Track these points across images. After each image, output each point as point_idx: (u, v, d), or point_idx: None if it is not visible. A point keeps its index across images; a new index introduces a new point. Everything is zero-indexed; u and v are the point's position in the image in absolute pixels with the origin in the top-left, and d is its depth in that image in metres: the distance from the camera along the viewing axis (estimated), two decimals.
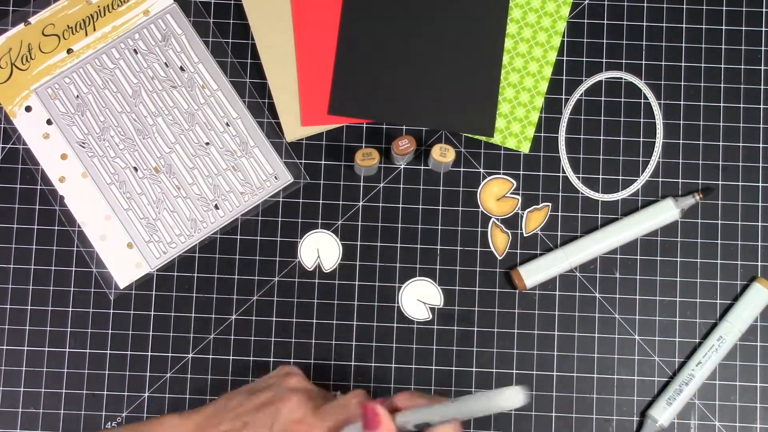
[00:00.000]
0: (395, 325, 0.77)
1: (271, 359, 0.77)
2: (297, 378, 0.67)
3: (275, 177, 0.78)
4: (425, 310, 0.77)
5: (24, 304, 0.76)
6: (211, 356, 0.76)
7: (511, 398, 0.51)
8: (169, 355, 0.76)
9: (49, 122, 0.78)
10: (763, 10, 0.80)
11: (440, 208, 0.78)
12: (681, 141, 0.79)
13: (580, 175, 0.78)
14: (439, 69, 0.78)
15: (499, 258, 0.78)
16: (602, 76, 0.79)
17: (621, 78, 0.79)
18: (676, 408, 0.75)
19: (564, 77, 0.79)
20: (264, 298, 0.77)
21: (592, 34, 0.80)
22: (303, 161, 0.78)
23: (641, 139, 0.79)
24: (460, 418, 0.55)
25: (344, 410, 0.62)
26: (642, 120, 0.79)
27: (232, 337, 0.77)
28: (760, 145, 0.79)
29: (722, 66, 0.79)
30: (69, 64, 0.78)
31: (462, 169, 0.78)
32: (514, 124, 0.78)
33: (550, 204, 0.78)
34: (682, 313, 0.77)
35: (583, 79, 0.79)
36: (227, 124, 0.78)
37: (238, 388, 0.68)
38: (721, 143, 0.79)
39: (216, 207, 0.77)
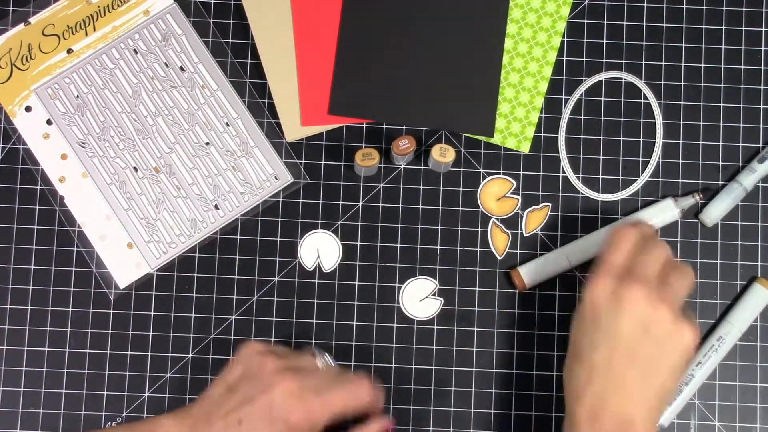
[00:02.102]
0: (395, 325, 0.77)
1: None
2: (270, 358, 0.67)
3: (275, 177, 0.78)
4: (427, 307, 0.77)
5: (24, 304, 0.76)
6: (211, 356, 0.76)
7: None
8: (169, 355, 0.76)
9: (49, 122, 0.78)
10: (763, 10, 0.80)
11: (440, 208, 0.78)
12: (681, 141, 0.79)
13: (580, 175, 0.78)
14: (439, 69, 0.78)
15: (499, 258, 0.78)
16: (602, 76, 0.79)
17: (621, 78, 0.79)
18: (676, 408, 0.75)
19: (564, 77, 0.79)
20: (264, 298, 0.77)
21: (592, 34, 0.80)
22: (303, 161, 0.78)
23: (641, 139, 0.79)
24: None
25: (343, 387, 0.67)
26: (642, 120, 0.79)
27: (232, 337, 0.77)
28: (760, 145, 0.79)
29: (722, 66, 0.79)
30: (69, 64, 0.78)
31: (462, 169, 0.78)
32: (514, 124, 0.78)
33: (550, 204, 0.78)
34: None
35: (583, 79, 0.79)
36: (227, 124, 0.78)
37: (214, 382, 0.68)
38: (721, 143, 0.79)
39: (216, 207, 0.77)
